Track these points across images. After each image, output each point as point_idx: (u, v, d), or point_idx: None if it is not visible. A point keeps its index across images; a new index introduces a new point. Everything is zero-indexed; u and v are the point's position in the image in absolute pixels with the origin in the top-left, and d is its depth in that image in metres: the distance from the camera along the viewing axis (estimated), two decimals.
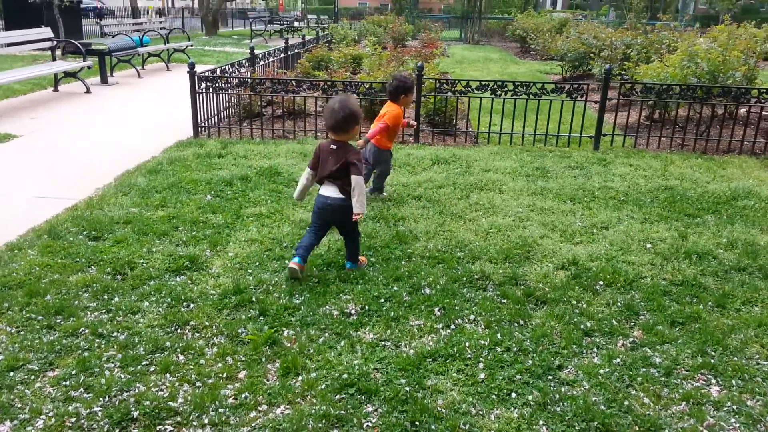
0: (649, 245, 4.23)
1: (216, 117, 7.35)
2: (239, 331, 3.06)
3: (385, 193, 5.08)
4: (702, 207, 5.04)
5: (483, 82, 6.65)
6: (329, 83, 6.91)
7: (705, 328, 3.19)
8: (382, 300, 3.36)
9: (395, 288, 3.50)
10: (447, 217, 4.67)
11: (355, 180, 3.44)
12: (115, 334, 3.01)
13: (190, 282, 3.55)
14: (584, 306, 3.38)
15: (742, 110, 7.62)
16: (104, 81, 11.26)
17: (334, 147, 3.51)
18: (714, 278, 3.78)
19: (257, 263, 3.80)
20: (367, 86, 6.93)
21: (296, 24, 30.62)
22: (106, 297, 3.36)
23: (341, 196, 3.51)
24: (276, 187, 5.23)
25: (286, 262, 3.79)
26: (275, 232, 4.28)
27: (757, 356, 2.98)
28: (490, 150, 6.58)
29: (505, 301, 3.43)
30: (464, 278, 3.66)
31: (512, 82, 6.70)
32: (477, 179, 5.58)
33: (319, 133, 7.17)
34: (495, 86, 6.65)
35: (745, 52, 7.27)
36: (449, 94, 6.85)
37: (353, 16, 39.89)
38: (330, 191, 3.54)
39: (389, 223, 4.51)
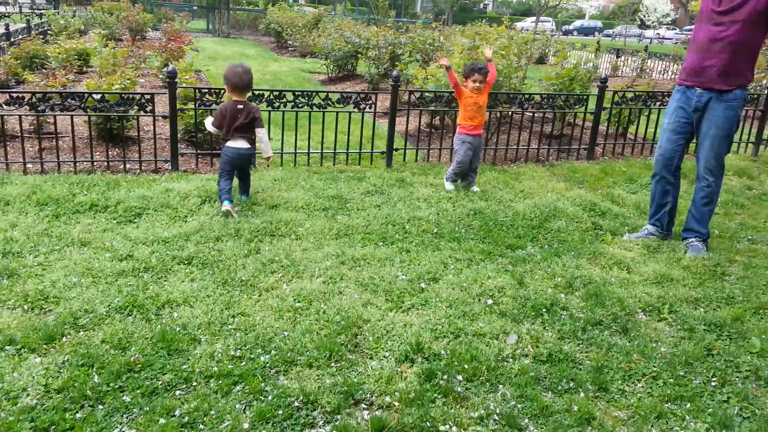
0: (490, 300, 3.46)
1: None
2: None
3: (476, 188, 5.40)
4: (519, 234, 4.52)
5: (257, 92, 5.35)
6: (39, 96, 4.92)
7: None
8: None
9: None
10: (234, 290, 3.35)
11: (260, 131, 4.48)
12: None
13: None
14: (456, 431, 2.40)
15: (516, 115, 7.54)
16: None
17: (240, 106, 4.37)
18: (577, 343, 3.12)
19: None
20: (98, 98, 5.12)
21: (2, 9, 25.21)
22: None
23: (249, 146, 4.46)
24: None
25: None
26: None
27: None
28: (273, 176, 5.35)
29: None
30: (279, 411, 2.42)
31: (292, 91, 5.52)
32: (264, 221, 4.32)
33: (29, 164, 5.14)
34: (272, 97, 5.40)
35: (518, 55, 7.13)
36: (214, 106, 5.41)
37: (78, 1, 34.55)
38: (240, 144, 4.42)
39: (148, 315, 3.04)
